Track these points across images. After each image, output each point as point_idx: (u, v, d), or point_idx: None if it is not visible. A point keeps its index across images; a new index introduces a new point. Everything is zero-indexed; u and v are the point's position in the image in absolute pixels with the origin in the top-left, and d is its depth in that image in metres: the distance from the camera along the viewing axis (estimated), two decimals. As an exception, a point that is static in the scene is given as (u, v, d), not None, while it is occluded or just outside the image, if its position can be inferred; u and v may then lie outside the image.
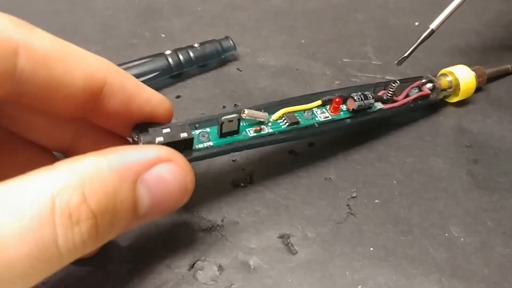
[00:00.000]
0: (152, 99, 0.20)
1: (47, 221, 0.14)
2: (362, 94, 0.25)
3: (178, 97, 0.30)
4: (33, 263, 0.14)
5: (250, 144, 0.22)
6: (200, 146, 0.21)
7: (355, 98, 0.25)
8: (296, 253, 0.22)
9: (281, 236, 0.22)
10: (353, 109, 0.25)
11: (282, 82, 0.32)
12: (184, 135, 0.20)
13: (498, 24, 0.37)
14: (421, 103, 0.28)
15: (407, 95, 0.27)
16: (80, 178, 0.15)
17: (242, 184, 0.25)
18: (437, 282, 0.21)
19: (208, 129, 0.22)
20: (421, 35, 0.28)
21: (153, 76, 0.30)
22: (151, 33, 0.36)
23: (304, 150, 0.27)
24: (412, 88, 0.28)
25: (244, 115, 0.22)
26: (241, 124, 0.22)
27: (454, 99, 0.30)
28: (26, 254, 0.14)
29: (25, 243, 0.14)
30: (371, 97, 0.25)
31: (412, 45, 0.28)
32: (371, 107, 0.26)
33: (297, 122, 0.24)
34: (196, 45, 0.32)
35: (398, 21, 0.39)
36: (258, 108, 0.23)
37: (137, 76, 0.30)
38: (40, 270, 0.14)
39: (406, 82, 0.28)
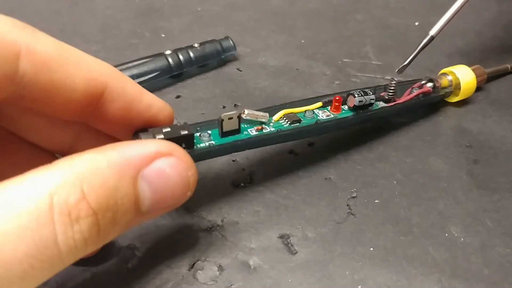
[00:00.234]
0: (153, 105, 0.19)
1: (45, 219, 0.14)
2: (362, 90, 0.25)
3: (178, 97, 0.30)
4: (32, 263, 0.14)
5: (252, 142, 0.22)
6: (202, 145, 0.21)
7: (355, 94, 0.25)
8: (296, 253, 0.22)
9: (281, 236, 0.22)
10: (354, 105, 0.25)
11: (282, 82, 0.32)
12: (184, 132, 0.20)
13: (498, 24, 0.37)
14: (423, 99, 0.28)
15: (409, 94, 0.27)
16: (78, 175, 0.15)
17: (242, 184, 0.25)
18: (437, 282, 0.21)
19: (209, 131, 0.22)
20: (421, 41, 0.28)
21: (153, 76, 0.30)
22: (151, 33, 0.36)
23: (304, 150, 0.27)
24: (412, 88, 0.28)
25: (244, 115, 0.22)
26: (242, 125, 0.22)
27: (454, 99, 0.30)
28: (25, 253, 0.13)
29: (24, 242, 0.13)
30: (371, 93, 0.25)
31: (412, 53, 0.28)
32: (372, 104, 0.25)
33: (299, 121, 0.24)
34: (196, 45, 0.32)
35: (398, 21, 0.39)
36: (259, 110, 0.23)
37: (137, 76, 0.30)
38: (41, 270, 0.14)
39: (405, 84, 0.28)
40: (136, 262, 0.21)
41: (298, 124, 0.23)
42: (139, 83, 0.30)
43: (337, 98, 0.24)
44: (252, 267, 0.21)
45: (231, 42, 0.33)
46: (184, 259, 0.21)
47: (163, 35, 0.36)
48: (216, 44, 0.33)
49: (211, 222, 0.23)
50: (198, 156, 0.21)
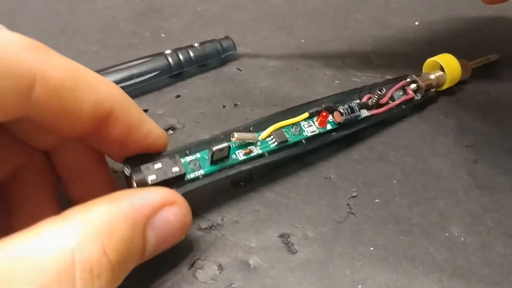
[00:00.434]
0: (151, 134, 0.20)
1: (67, 277, 0.14)
2: (349, 107, 0.25)
3: (178, 96, 0.30)
4: None
5: (241, 169, 0.23)
6: (192, 175, 0.22)
7: (341, 111, 0.25)
8: (296, 252, 0.22)
9: (281, 236, 0.22)
10: (339, 122, 0.25)
11: (282, 82, 0.32)
12: (176, 169, 0.20)
13: (498, 24, 0.37)
14: (406, 107, 0.28)
15: (392, 97, 0.28)
16: (97, 229, 0.15)
17: (242, 184, 0.25)
18: (437, 282, 0.21)
19: (198, 155, 0.22)
20: None
21: (153, 75, 0.30)
22: (151, 33, 0.36)
23: (304, 149, 0.27)
24: (396, 90, 0.28)
25: (233, 139, 0.23)
26: (231, 148, 0.23)
27: (442, 87, 0.30)
28: None
29: None
30: (357, 109, 0.25)
31: None
32: (357, 118, 0.26)
33: (286, 141, 0.24)
34: (196, 44, 0.32)
35: (398, 21, 0.39)
36: (247, 127, 0.24)
37: (137, 75, 0.30)
38: None
39: (389, 83, 0.28)
40: (136, 261, 0.21)
41: (284, 143, 0.24)
42: (139, 82, 0.30)
43: (324, 114, 0.25)
44: (252, 266, 0.21)
45: (231, 41, 0.33)
46: (183, 258, 0.21)
47: (163, 35, 0.36)
48: (216, 43, 0.33)
49: (211, 221, 0.23)
50: (189, 190, 0.21)
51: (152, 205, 0.18)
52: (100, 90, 0.17)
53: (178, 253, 0.21)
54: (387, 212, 0.23)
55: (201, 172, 0.22)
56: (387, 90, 0.27)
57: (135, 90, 0.30)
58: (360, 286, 0.20)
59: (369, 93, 0.27)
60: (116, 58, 0.31)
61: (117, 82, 0.29)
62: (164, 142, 0.21)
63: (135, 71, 0.30)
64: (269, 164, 0.24)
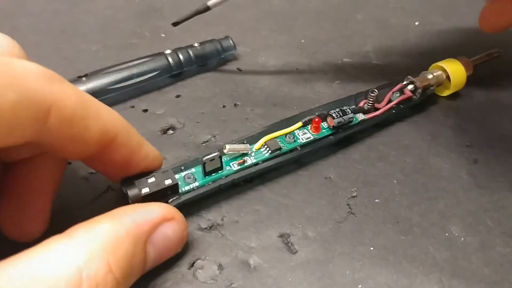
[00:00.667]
0: (148, 156, 0.21)
1: None
2: (340, 110, 0.26)
3: (178, 96, 0.30)
4: None
5: (235, 179, 0.23)
6: (187, 188, 0.22)
7: (334, 115, 0.25)
8: (296, 252, 0.22)
9: (281, 235, 0.22)
10: (333, 126, 0.25)
11: (282, 82, 0.32)
12: (168, 181, 0.21)
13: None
14: (404, 107, 0.28)
15: (390, 100, 0.28)
16: (102, 247, 0.16)
17: (242, 183, 0.25)
18: (437, 282, 0.21)
19: (193, 169, 0.23)
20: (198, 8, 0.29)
21: (153, 75, 0.30)
22: (151, 33, 0.36)
23: (304, 149, 0.27)
24: (393, 92, 0.28)
25: (225, 150, 0.23)
26: (224, 159, 0.23)
27: (445, 93, 0.30)
28: None
29: None
30: (350, 112, 0.26)
31: (188, 15, 0.30)
32: (351, 121, 0.26)
33: (279, 148, 0.24)
34: (196, 44, 0.32)
35: (398, 21, 0.39)
36: (240, 140, 0.24)
37: (137, 75, 0.30)
38: None
39: (385, 87, 0.28)
40: (136, 261, 0.21)
41: (278, 151, 0.24)
42: (139, 82, 0.30)
43: (316, 120, 0.25)
44: (252, 266, 0.21)
45: (231, 41, 0.33)
46: (183, 257, 0.21)
47: (163, 35, 0.36)
48: (216, 43, 0.33)
49: (211, 221, 0.23)
50: (184, 200, 0.22)
51: (152, 221, 0.18)
52: (106, 118, 0.18)
53: (178, 253, 0.21)
54: (387, 212, 0.23)
55: (196, 184, 0.23)
56: (383, 95, 0.28)
57: (135, 90, 0.30)
58: (360, 286, 0.20)
59: (365, 99, 0.28)
60: (116, 58, 0.31)
61: (117, 82, 0.29)
62: (160, 162, 0.22)
63: (135, 71, 0.30)
64: (265, 171, 0.24)
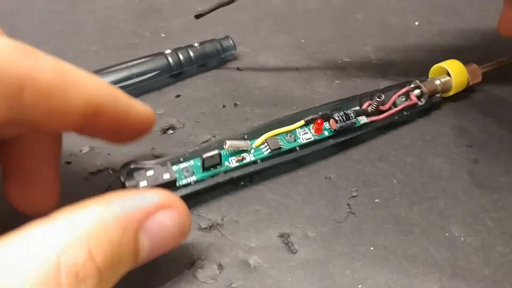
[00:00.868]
0: (140, 116, 0.20)
1: (52, 281, 0.14)
2: (344, 114, 0.25)
3: (178, 96, 0.30)
4: None
5: (233, 177, 0.23)
6: (184, 181, 0.22)
7: (337, 119, 0.25)
8: (296, 252, 0.22)
9: (281, 235, 0.22)
10: (335, 129, 0.25)
11: (282, 82, 0.32)
12: (166, 176, 0.21)
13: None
14: (408, 113, 0.28)
15: (394, 104, 0.28)
16: (85, 233, 0.15)
17: (242, 183, 0.25)
18: (437, 282, 0.21)
19: (192, 162, 0.23)
20: None
21: (153, 75, 0.30)
22: (151, 33, 0.36)
23: (304, 149, 0.27)
24: (399, 96, 0.28)
25: (226, 146, 0.23)
26: (223, 153, 0.23)
27: (447, 94, 0.30)
28: None
29: None
30: (353, 116, 0.25)
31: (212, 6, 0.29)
32: (354, 125, 0.26)
33: (279, 148, 0.24)
34: (196, 44, 0.32)
35: (398, 21, 0.39)
36: (241, 135, 0.24)
37: (137, 75, 0.30)
38: None
39: (392, 89, 0.28)
40: (136, 261, 0.21)
41: (278, 151, 0.24)
42: (139, 82, 0.30)
43: (319, 121, 0.25)
44: (252, 266, 0.21)
45: (231, 41, 0.33)
46: (183, 257, 0.21)
47: (163, 35, 0.36)
48: (216, 43, 0.33)
49: (211, 221, 0.23)
50: (181, 196, 0.21)
51: (145, 208, 0.17)
52: (88, 88, 0.17)
53: (178, 253, 0.21)
54: (387, 212, 0.23)
55: (193, 178, 0.23)
56: (388, 97, 0.27)
57: (135, 90, 0.30)
58: (360, 286, 0.20)
59: (370, 100, 0.27)
60: (116, 58, 0.31)
61: (117, 82, 0.29)
62: (152, 120, 0.21)
63: (135, 70, 0.30)
64: (263, 170, 0.24)
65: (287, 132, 0.25)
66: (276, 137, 0.25)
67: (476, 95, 0.31)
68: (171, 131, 0.28)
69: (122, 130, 0.20)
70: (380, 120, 0.27)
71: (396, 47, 0.36)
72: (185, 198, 0.22)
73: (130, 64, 0.30)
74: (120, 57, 0.31)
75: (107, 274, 0.15)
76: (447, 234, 0.22)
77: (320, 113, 0.26)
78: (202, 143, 0.27)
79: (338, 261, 0.21)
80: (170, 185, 0.22)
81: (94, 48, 0.34)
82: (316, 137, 0.25)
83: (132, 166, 0.22)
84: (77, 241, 0.15)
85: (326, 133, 0.26)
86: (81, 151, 0.26)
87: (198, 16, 0.30)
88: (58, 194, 0.20)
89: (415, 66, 0.33)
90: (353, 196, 0.24)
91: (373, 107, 0.27)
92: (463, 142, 0.27)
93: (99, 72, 0.29)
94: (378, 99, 0.26)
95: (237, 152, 0.24)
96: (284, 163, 0.25)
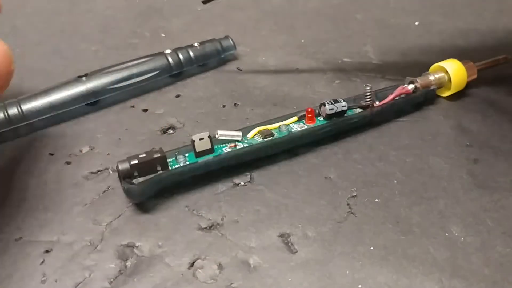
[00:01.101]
0: None
1: None
2: (333, 99, 0.26)
3: (178, 96, 0.30)
4: None
5: (226, 159, 0.24)
6: (177, 166, 0.23)
7: (326, 103, 0.26)
8: (296, 252, 0.22)
9: (281, 235, 0.22)
10: (327, 114, 0.26)
11: (282, 82, 0.32)
12: (157, 155, 0.22)
13: (498, 24, 0.37)
14: (405, 100, 0.28)
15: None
16: None
17: (242, 183, 0.25)
18: (437, 282, 0.20)
19: (186, 154, 0.24)
20: None
21: (153, 75, 0.30)
22: (151, 33, 0.36)
23: (304, 149, 0.27)
24: (394, 95, 0.28)
25: (217, 136, 0.24)
26: (217, 145, 0.24)
27: (446, 93, 0.30)
28: None
29: None
30: (342, 101, 0.26)
31: None
32: (345, 111, 0.26)
33: (272, 134, 0.25)
34: (196, 44, 0.32)
35: (398, 21, 0.39)
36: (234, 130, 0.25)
37: (137, 75, 0.30)
38: None
39: (387, 90, 0.29)
40: (136, 261, 0.21)
41: (271, 137, 0.25)
42: (139, 82, 0.30)
43: (308, 110, 0.26)
44: (252, 266, 0.21)
45: (231, 41, 0.33)
46: (183, 257, 0.21)
47: (163, 35, 0.36)
48: (216, 43, 0.33)
49: (210, 221, 0.23)
50: (173, 175, 0.23)
51: None
52: None
53: (177, 252, 0.21)
54: (387, 212, 0.23)
55: (186, 162, 0.23)
56: (384, 96, 0.28)
57: (135, 90, 0.30)
58: (360, 286, 0.20)
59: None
60: (116, 58, 0.31)
61: (117, 82, 0.29)
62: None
63: (135, 70, 0.30)
64: (258, 158, 0.25)
65: (280, 126, 0.26)
66: (269, 129, 0.25)
67: (476, 95, 0.31)
68: (171, 131, 0.28)
69: None
70: (375, 108, 0.27)
71: (396, 47, 0.36)
72: (179, 182, 0.23)
73: (130, 64, 0.30)
74: (120, 57, 0.31)
75: None
76: (447, 234, 0.22)
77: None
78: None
79: (338, 261, 0.21)
80: (162, 165, 0.22)
81: (94, 48, 0.34)
82: (310, 126, 0.26)
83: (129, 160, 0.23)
84: None
85: (320, 123, 0.26)
86: (81, 151, 0.26)
87: (205, 2, 0.30)
88: None
89: (415, 66, 0.33)
90: (353, 196, 0.24)
91: (367, 100, 0.27)
92: (463, 142, 0.27)
93: (99, 72, 0.29)
94: (367, 89, 0.27)
95: (230, 141, 0.25)
96: (279, 151, 0.25)
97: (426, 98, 0.30)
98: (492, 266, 0.21)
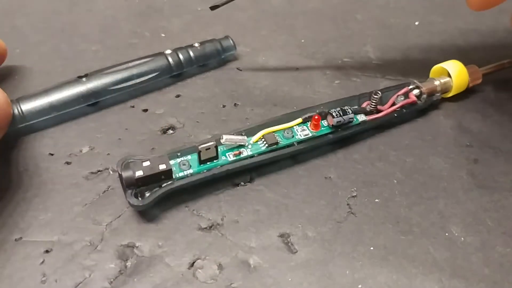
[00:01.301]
0: None
1: None
2: (341, 109, 0.26)
3: (178, 96, 0.30)
4: None
5: (229, 169, 0.24)
6: (181, 174, 0.23)
7: (334, 114, 0.25)
8: (296, 252, 0.22)
9: (281, 235, 0.22)
10: (333, 125, 0.25)
11: (282, 82, 0.32)
12: (162, 166, 0.22)
13: (498, 24, 0.37)
14: (407, 111, 0.28)
15: (393, 104, 0.28)
16: None
17: (242, 183, 0.25)
18: (437, 282, 0.21)
19: (189, 157, 0.24)
20: None
21: (153, 76, 0.30)
22: (151, 33, 0.36)
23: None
24: (398, 96, 0.28)
25: (222, 140, 0.24)
26: (221, 149, 0.24)
27: (447, 94, 0.30)
28: None
29: None
30: (350, 112, 0.26)
31: None
32: (351, 121, 0.26)
33: (276, 143, 0.25)
34: (196, 44, 0.32)
35: (398, 21, 0.39)
36: (238, 132, 0.25)
37: (137, 76, 0.30)
38: None
39: (391, 90, 0.28)
40: (136, 261, 0.21)
41: (275, 146, 0.25)
42: (140, 83, 0.30)
43: (316, 117, 0.25)
44: (252, 266, 0.21)
45: (231, 41, 0.33)
46: (184, 257, 0.21)
47: (163, 35, 0.36)
48: (216, 43, 0.33)
49: (211, 221, 0.23)
50: (177, 186, 0.23)
51: None
52: None
53: (178, 252, 0.21)
54: (387, 212, 0.23)
55: (190, 171, 0.23)
56: (387, 97, 0.28)
57: (135, 90, 0.30)
58: (360, 286, 0.20)
59: (369, 100, 0.27)
60: (116, 58, 0.31)
61: (117, 83, 0.29)
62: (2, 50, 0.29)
63: (135, 71, 0.30)
64: (260, 165, 0.24)
65: (284, 129, 0.25)
66: (274, 134, 0.25)
67: (476, 96, 0.31)
68: (171, 131, 0.28)
69: None
70: (379, 118, 0.27)
71: (396, 47, 0.36)
72: (182, 190, 0.23)
73: (130, 64, 0.30)
74: (120, 57, 0.31)
75: None
76: (447, 234, 0.22)
77: (317, 111, 0.26)
78: (202, 143, 0.27)
79: (338, 261, 0.21)
80: (166, 176, 0.22)
81: (94, 48, 0.34)
82: (315, 133, 0.26)
83: (130, 160, 0.23)
84: None
85: (324, 130, 0.26)
86: (81, 151, 0.26)
87: (213, 8, 0.30)
88: None
89: (415, 66, 0.33)
90: (353, 196, 0.24)
91: (372, 106, 0.27)
92: (463, 142, 0.27)
93: (99, 72, 0.29)
94: (375, 96, 0.26)
95: (234, 147, 0.24)
96: (281, 157, 0.25)
97: (430, 105, 0.29)
98: (492, 266, 0.21)
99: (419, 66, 0.31)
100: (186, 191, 0.24)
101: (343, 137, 0.26)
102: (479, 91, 0.31)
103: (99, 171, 0.25)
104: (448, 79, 0.29)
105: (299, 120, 0.26)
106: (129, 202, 0.22)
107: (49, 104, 0.27)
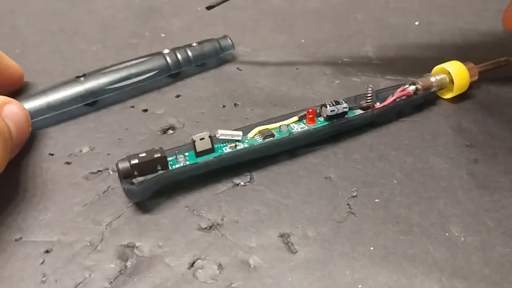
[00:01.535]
0: (9, 68, 0.28)
1: None
2: (334, 100, 0.26)
3: (177, 96, 0.30)
4: None
5: (226, 159, 0.24)
6: (177, 165, 0.23)
7: (327, 105, 0.26)
8: (296, 252, 0.21)
9: (281, 235, 0.22)
10: (328, 115, 0.26)
11: (281, 82, 0.32)
12: (157, 154, 0.22)
13: (498, 24, 0.37)
14: (405, 102, 0.28)
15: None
16: None
17: (242, 183, 0.25)
18: (437, 282, 0.20)
19: (186, 153, 0.24)
20: None
21: (151, 75, 0.30)
22: (151, 33, 0.36)
23: (304, 149, 0.27)
24: (395, 93, 0.28)
25: (217, 135, 0.24)
26: (218, 144, 0.24)
27: (448, 95, 0.30)
28: None
29: None
30: (343, 102, 0.26)
31: None
32: (346, 112, 0.26)
33: (272, 135, 0.25)
34: (194, 44, 0.32)
35: (398, 21, 0.39)
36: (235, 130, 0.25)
37: (135, 75, 0.30)
38: None
39: (388, 90, 0.29)
40: (135, 261, 0.21)
41: (271, 138, 0.25)
42: (138, 82, 0.30)
43: (310, 110, 0.26)
44: (252, 266, 0.21)
45: (229, 41, 0.33)
46: (183, 257, 0.21)
47: (163, 35, 0.36)
48: (215, 42, 0.33)
49: (211, 221, 0.23)
50: (173, 175, 0.23)
51: None
52: None
53: (178, 252, 0.21)
54: (387, 212, 0.23)
55: (186, 162, 0.23)
56: (384, 95, 0.28)
57: (135, 90, 0.30)
58: (360, 286, 0.20)
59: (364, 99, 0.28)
60: (116, 58, 0.31)
61: (115, 82, 0.29)
62: (20, 74, 0.30)
63: (133, 70, 0.30)
64: (258, 158, 0.25)
65: (280, 126, 0.26)
66: (270, 130, 0.25)
67: (476, 95, 0.31)
68: (171, 131, 0.28)
69: None
70: (376, 109, 0.27)
71: (396, 47, 0.36)
72: (181, 189, 0.23)
73: (128, 64, 0.30)
74: (120, 57, 0.31)
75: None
76: (447, 234, 0.22)
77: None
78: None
79: (338, 261, 0.21)
80: (162, 165, 0.22)
81: (94, 48, 0.34)
82: (311, 127, 0.26)
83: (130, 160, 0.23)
84: None
85: (321, 124, 0.26)
86: (81, 151, 0.26)
87: (209, 8, 0.30)
88: None
89: (415, 66, 0.33)
90: (353, 196, 0.24)
91: (368, 101, 0.27)
92: (463, 142, 0.27)
93: (97, 72, 0.29)
94: (369, 89, 0.27)
95: (230, 141, 0.25)
96: (279, 152, 0.25)
97: (426, 100, 0.29)
98: (492, 266, 0.21)
99: (419, 66, 0.31)
100: (186, 191, 0.24)
101: (340, 129, 0.26)
102: (479, 91, 0.31)
103: (99, 171, 0.25)
104: (443, 76, 0.29)
105: (295, 118, 0.26)
106: (124, 189, 0.22)
107: (47, 104, 0.28)
